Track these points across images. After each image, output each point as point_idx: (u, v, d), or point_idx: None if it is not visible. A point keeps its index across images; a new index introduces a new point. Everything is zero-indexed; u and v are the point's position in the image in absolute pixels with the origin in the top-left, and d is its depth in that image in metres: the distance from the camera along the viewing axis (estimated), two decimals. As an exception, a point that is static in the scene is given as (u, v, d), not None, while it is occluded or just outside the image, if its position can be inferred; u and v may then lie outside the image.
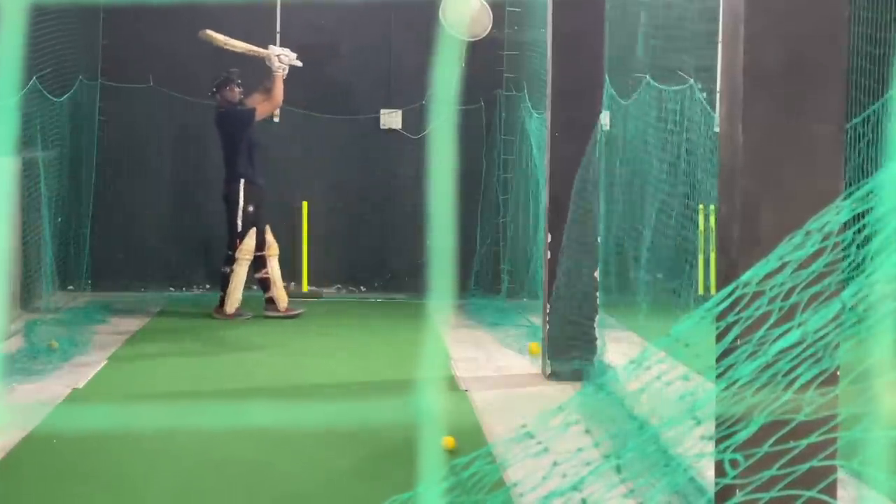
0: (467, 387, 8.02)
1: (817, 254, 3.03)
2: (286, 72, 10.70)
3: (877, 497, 5.14)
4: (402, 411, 6.62)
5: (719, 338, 3.63)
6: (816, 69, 4.22)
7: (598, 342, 8.18)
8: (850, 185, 7.82)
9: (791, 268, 3.06)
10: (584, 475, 3.00)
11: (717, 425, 3.64)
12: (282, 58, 10.68)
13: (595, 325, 8.24)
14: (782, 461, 3.22)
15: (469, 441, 6.52)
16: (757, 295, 3.20)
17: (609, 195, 10.21)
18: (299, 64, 10.75)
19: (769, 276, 3.11)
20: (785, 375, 3.07)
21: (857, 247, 2.99)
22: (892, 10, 8.87)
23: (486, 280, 12.05)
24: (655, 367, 3.31)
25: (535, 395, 7.87)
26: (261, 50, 10.74)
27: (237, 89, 10.75)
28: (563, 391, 7.86)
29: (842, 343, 2.98)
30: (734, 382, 3.03)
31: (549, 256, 8.31)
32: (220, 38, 10.65)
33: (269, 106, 10.74)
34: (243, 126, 10.59)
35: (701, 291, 10.55)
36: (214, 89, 10.82)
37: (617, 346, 8.59)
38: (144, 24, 12.06)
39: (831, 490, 3.72)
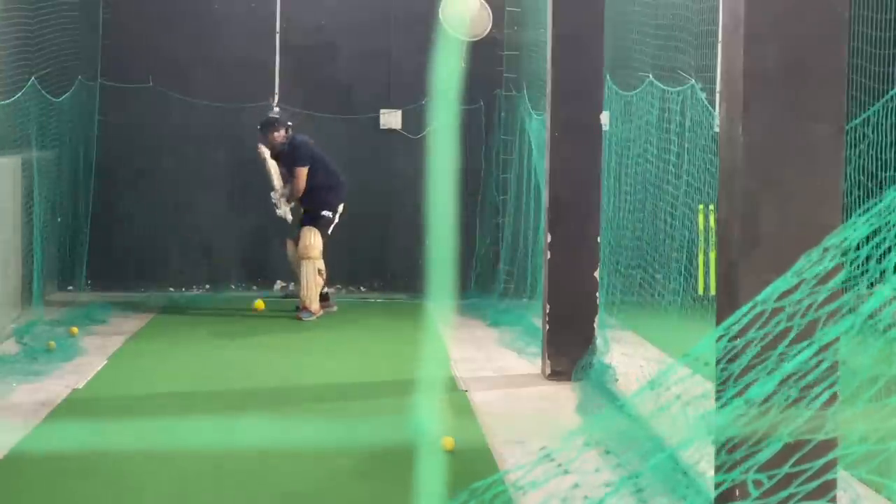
0: (467, 387, 8.02)
1: (834, 270, 3.01)
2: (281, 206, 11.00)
3: (876, 497, 5.14)
4: (402, 412, 6.62)
5: (728, 354, 3.61)
6: (816, 69, 4.22)
7: (599, 342, 8.18)
8: (851, 185, 7.81)
9: (807, 284, 3.04)
10: (603, 497, 2.99)
11: (719, 447, 3.63)
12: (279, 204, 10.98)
13: (595, 325, 8.24)
14: (796, 481, 3.21)
15: (469, 441, 6.52)
16: (775, 312, 3.18)
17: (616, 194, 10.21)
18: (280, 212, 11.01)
19: (787, 293, 3.09)
20: (794, 390, 3.06)
21: (877, 261, 2.97)
22: (892, 10, 8.86)
23: (485, 280, 12.05)
24: (675, 386, 3.30)
25: (534, 395, 7.87)
26: (274, 181, 10.95)
27: (281, 133, 10.82)
28: (563, 391, 7.87)
29: (863, 354, 2.96)
30: (746, 402, 3.02)
31: (549, 256, 8.31)
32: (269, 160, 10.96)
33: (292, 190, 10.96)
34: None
35: (701, 291, 10.55)
36: (259, 128, 10.91)
37: (617, 346, 8.59)
38: (144, 24, 12.06)
39: (832, 499, 3.74)
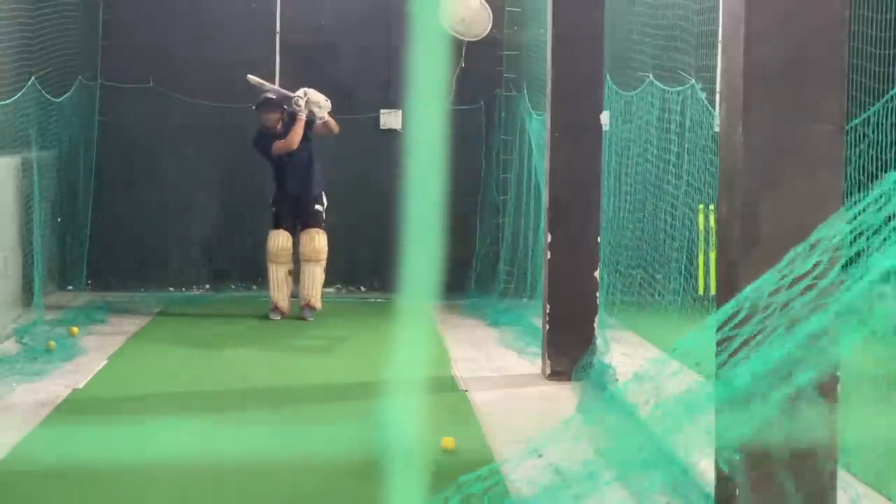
0: (467, 387, 8.02)
1: (821, 263, 3.01)
2: (311, 115, 10.71)
3: (875, 497, 5.14)
4: (401, 412, 6.61)
5: (721, 348, 3.61)
6: (816, 69, 4.22)
7: (599, 342, 8.18)
8: (851, 185, 7.81)
9: (793, 277, 3.04)
10: (601, 494, 3.00)
11: (718, 445, 3.62)
12: (302, 102, 10.68)
13: (595, 325, 8.24)
14: (795, 479, 3.21)
15: (468, 441, 6.52)
16: (767, 307, 3.18)
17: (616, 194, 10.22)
18: (321, 115, 10.75)
19: (775, 287, 3.09)
20: (794, 390, 3.06)
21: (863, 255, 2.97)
22: (892, 10, 8.86)
23: (485, 280, 12.05)
24: (665, 380, 3.30)
25: (534, 395, 7.87)
26: (288, 93, 10.78)
27: (275, 115, 10.74)
28: (563, 391, 7.87)
29: (849, 350, 2.96)
30: (745, 401, 3.02)
31: (549, 256, 8.31)
32: (255, 80, 10.78)
33: (283, 144, 10.72)
34: (261, 153, 10.85)
35: (700, 291, 10.55)
36: (255, 107, 10.86)
37: (617, 346, 8.59)
38: (144, 24, 12.06)
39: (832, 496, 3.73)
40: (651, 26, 10.88)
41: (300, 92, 10.73)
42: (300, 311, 10.78)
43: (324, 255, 10.79)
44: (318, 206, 10.84)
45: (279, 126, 10.76)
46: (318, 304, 10.79)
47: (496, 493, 2.99)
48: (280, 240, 10.83)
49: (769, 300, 3.09)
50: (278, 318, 10.75)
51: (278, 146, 10.70)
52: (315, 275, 10.75)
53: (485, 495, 2.90)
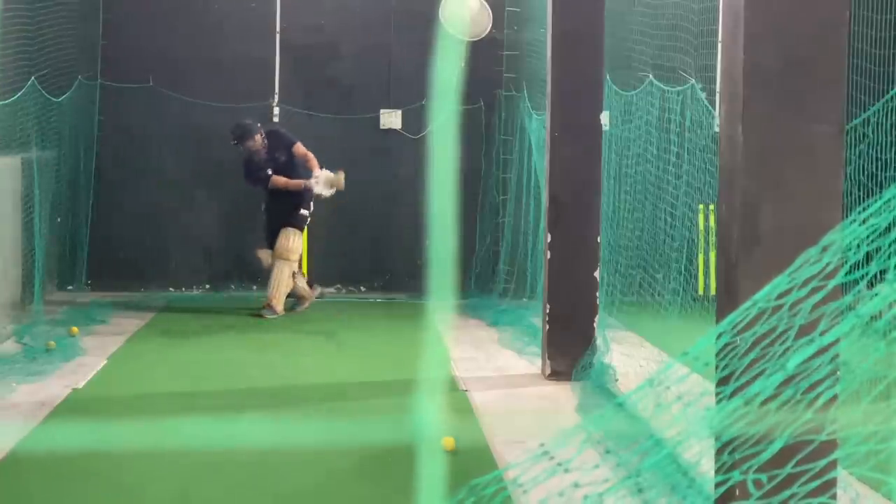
0: (467, 387, 8.02)
1: (832, 270, 3.00)
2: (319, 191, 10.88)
3: (875, 497, 5.14)
4: (402, 412, 6.62)
5: (727, 353, 3.61)
6: (816, 69, 4.22)
7: (599, 342, 8.18)
8: (851, 185, 7.80)
9: (807, 284, 3.03)
10: (602, 495, 2.99)
11: (720, 447, 3.62)
12: (317, 187, 10.83)
13: (595, 325, 8.24)
14: (796, 482, 3.21)
15: (469, 441, 6.52)
16: (774, 311, 3.17)
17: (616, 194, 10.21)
18: (325, 193, 10.86)
19: (786, 292, 3.08)
20: (794, 391, 3.05)
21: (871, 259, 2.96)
22: (892, 10, 8.86)
23: (485, 280, 12.05)
24: (675, 385, 3.29)
25: (534, 395, 7.87)
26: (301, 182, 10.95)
27: (257, 138, 10.87)
28: (563, 391, 7.87)
29: (864, 356, 2.95)
30: (746, 402, 3.02)
31: (549, 256, 8.31)
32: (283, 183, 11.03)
33: (280, 182, 10.86)
34: (254, 183, 11.02)
35: (700, 291, 10.55)
36: (235, 141, 10.93)
37: (617, 346, 8.59)
38: (144, 24, 12.06)
39: (832, 496, 3.74)
40: (651, 26, 10.88)
41: (317, 183, 10.81)
42: (259, 309, 10.83)
43: (292, 256, 10.81)
44: (302, 210, 10.87)
45: (263, 149, 10.85)
46: (276, 306, 10.76)
47: (503, 496, 2.98)
48: (264, 259, 11.12)
49: (779, 302, 3.09)
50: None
51: (276, 182, 10.88)
52: (280, 274, 10.79)
53: (493, 499, 2.89)
